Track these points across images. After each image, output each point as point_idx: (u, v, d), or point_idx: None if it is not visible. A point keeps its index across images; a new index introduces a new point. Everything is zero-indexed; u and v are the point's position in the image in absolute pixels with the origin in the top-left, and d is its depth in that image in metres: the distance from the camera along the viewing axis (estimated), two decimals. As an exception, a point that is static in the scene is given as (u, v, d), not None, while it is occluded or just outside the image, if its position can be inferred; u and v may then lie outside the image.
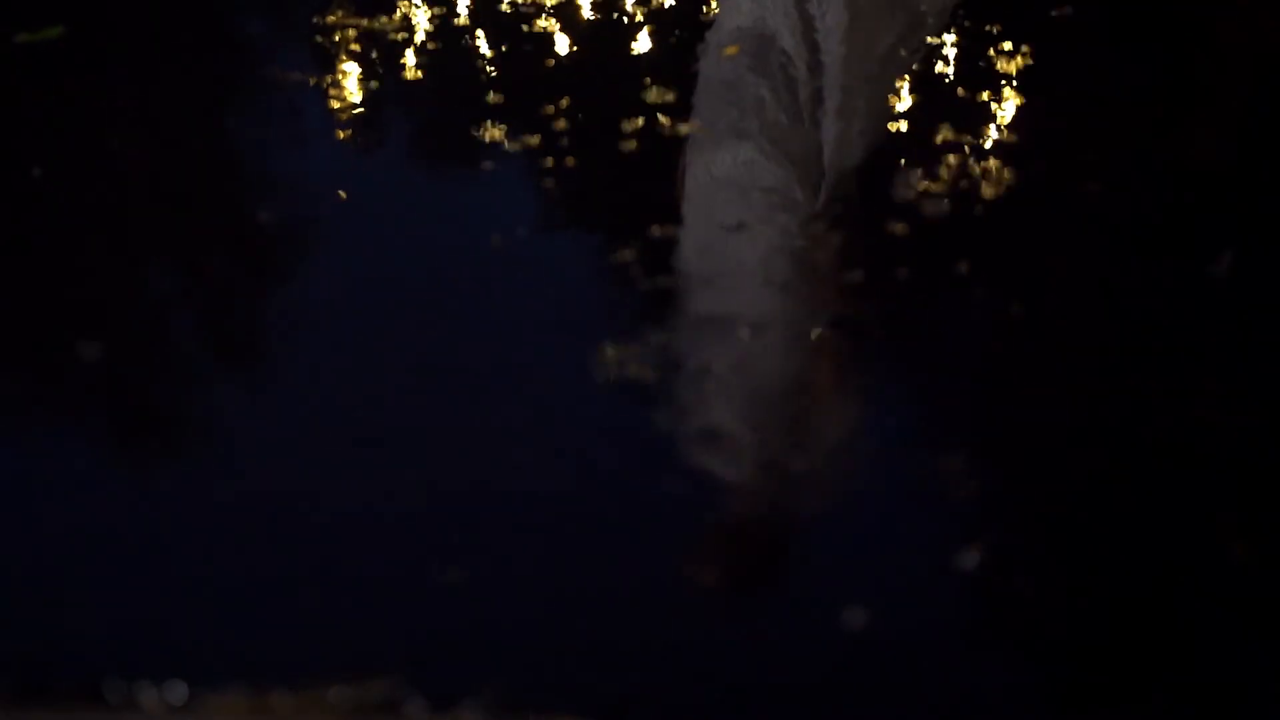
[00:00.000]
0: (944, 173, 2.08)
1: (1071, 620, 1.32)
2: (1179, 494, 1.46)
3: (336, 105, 2.27)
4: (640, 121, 2.15)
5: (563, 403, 1.63)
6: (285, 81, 2.32)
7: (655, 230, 1.91)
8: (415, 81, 2.40)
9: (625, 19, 2.48)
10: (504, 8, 2.54)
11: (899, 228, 1.92)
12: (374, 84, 2.34)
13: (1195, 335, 1.73)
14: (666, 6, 2.51)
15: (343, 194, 1.98)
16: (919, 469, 1.52)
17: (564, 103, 2.25)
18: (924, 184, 2.06)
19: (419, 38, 2.47)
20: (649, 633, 1.31)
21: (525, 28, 2.48)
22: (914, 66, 2.42)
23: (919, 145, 2.17)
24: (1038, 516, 1.46)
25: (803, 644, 1.29)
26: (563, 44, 2.47)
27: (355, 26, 2.45)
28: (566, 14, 2.51)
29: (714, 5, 2.48)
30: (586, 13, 2.50)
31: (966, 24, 2.48)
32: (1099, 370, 1.66)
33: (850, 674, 1.25)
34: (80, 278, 1.84)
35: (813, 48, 2.40)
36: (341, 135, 2.22)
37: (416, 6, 2.53)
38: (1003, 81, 2.37)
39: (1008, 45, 2.50)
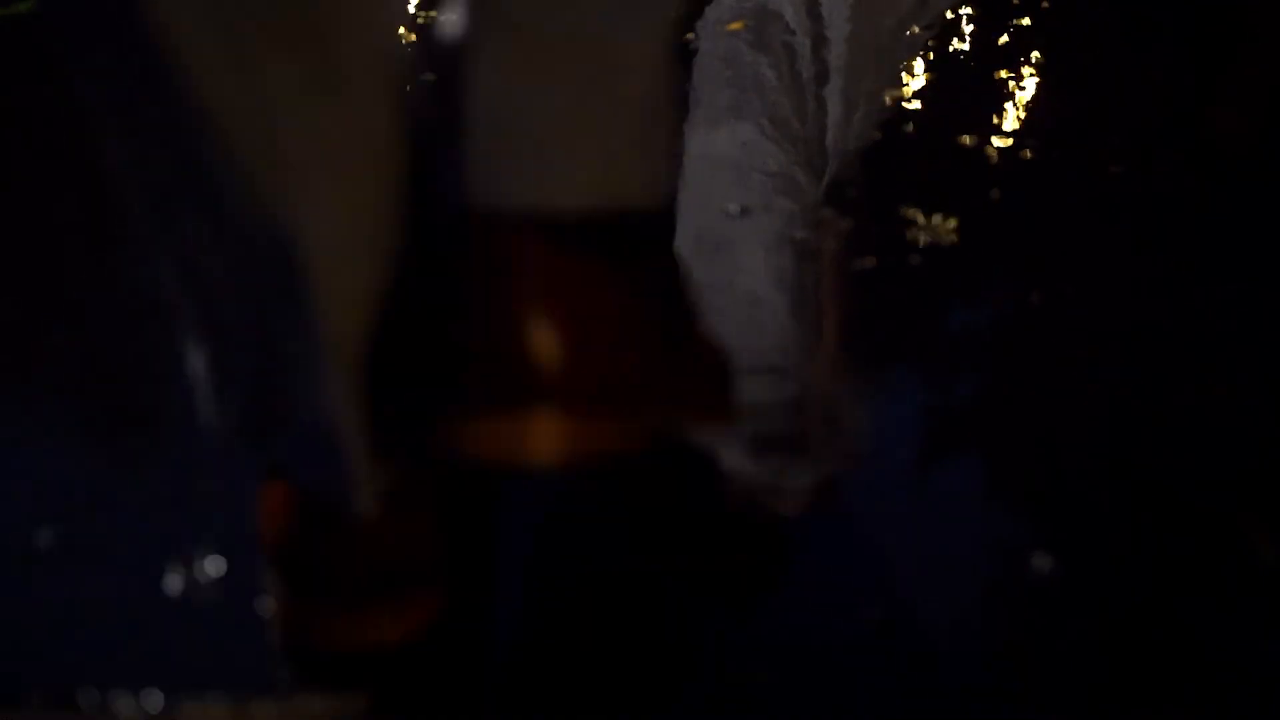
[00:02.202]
0: (956, 155, 2.08)
1: (1085, 621, 1.31)
2: (1204, 491, 1.45)
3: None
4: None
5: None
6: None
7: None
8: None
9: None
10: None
11: (909, 213, 1.91)
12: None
13: (1221, 324, 1.73)
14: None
15: None
16: (928, 465, 1.51)
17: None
18: (935, 167, 2.06)
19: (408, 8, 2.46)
20: (649, 637, 1.29)
21: None
22: (925, 43, 2.41)
23: (930, 126, 2.16)
24: (1054, 513, 1.45)
25: (806, 646, 1.28)
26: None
27: None
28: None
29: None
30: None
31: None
32: (1123, 361, 1.66)
33: (854, 675, 1.24)
34: (53, 268, 1.83)
35: (817, 22, 2.40)
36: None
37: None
38: (1020, 59, 2.37)
39: (1025, 20, 2.50)
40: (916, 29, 2.46)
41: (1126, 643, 1.28)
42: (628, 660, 1.27)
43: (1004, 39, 2.44)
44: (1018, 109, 2.22)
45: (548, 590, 1.34)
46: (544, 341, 1.23)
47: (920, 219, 1.90)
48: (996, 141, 2.10)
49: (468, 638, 1.27)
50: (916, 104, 2.23)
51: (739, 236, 1.88)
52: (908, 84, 2.30)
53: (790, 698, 1.22)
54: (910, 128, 2.16)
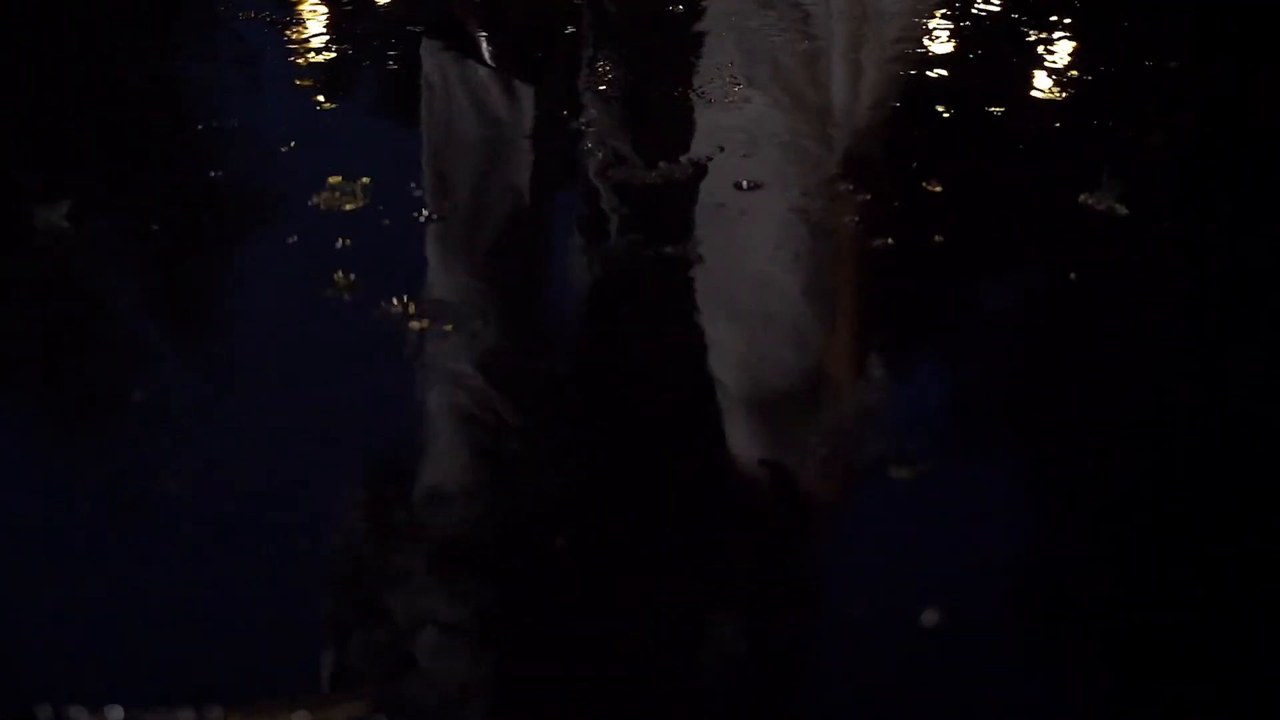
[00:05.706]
0: (977, 125, 2.07)
1: (1087, 621, 1.32)
2: (1243, 482, 1.44)
3: (296, 48, 2.26)
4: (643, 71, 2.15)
5: (555, 387, 1.61)
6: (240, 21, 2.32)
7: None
8: (386, 23, 2.39)
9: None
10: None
11: (928, 186, 1.90)
12: (339, 26, 2.33)
13: (1259, 307, 1.71)
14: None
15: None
16: (943, 457, 1.51)
17: (558, 53, 2.24)
18: (954, 138, 2.05)
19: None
20: (649, 644, 1.28)
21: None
22: (943, 7, 2.42)
23: (948, 95, 2.16)
24: (1078, 509, 1.45)
25: (814, 648, 1.29)
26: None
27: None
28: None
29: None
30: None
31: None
32: (1152, 347, 1.65)
33: (863, 677, 1.25)
34: (11, 233, 1.82)
35: (830, -17, 2.40)
36: (301, 83, 2.22)
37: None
38: (1044, 22, 2.37)
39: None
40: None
41: (1127, 643, 1.29)
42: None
43: (1026, 1, 2.44)
44: (1043, 74, 2.21)
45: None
46: None
47: (943, 193, 1.90)
48: (1024, 110, 2.10)
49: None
50: (940, 71, 2.22)
51: (750, 212, 1.87)
52: (928, 49, 2.29)
53: (797, 697, 1.22)
54: (928, 95, 2.15)
